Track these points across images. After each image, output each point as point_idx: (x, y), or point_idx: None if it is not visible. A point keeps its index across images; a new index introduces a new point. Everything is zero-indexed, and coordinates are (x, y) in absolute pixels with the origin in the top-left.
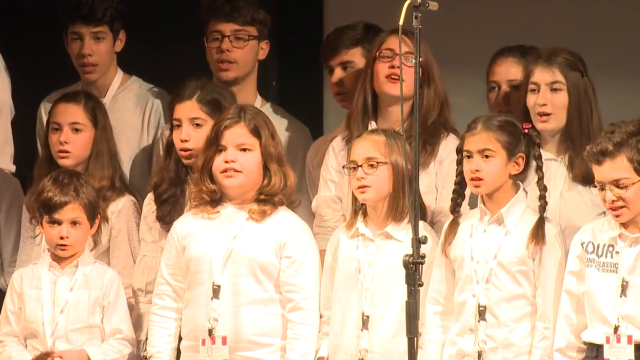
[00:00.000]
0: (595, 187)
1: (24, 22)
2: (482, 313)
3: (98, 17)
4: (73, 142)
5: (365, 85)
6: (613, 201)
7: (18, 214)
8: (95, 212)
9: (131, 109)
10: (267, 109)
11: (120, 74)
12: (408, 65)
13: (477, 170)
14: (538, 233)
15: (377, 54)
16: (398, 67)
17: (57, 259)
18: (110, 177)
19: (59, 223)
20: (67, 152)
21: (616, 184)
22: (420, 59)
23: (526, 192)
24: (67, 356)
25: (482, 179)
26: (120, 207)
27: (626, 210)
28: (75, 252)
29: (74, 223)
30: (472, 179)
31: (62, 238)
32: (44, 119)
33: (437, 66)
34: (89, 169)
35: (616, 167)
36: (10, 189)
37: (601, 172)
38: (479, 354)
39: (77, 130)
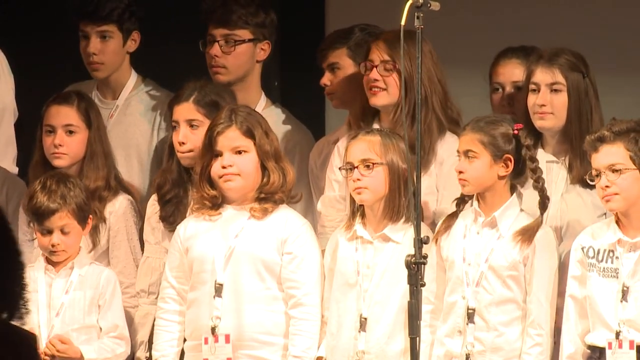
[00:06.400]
0: (594, 185)
1: (29, 23)
2: (471, 316)
3: (102, 15)
4: (67, 144)
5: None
6: (606, 187)
7: None
8: (85, 214)
9: (143, 113)
10: (272, 110)
11: (134, 75)
12: (385, 75)
13: (460, 172)
14: (527, 233)
15: (361, 66)
16: (376, 80)
17: (52, 262)
18: (105, 177)
19: (50, 231)
20: (61, 152)
21: (611, 168)
22: (398, 67)
23: (521, 195)
24: (59, 346)
25: (466, 180)
26: (117, 207)
27: (618, 197)
28: (68, 255)
29: (63, 231)
30: (458, 179)
31: (53, 245)
32: None
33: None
34: (83, 170)
35: (613, 152)
36: (17, 191)
37: (598, 158)
38: (467, 357)
39: (70, 132)
